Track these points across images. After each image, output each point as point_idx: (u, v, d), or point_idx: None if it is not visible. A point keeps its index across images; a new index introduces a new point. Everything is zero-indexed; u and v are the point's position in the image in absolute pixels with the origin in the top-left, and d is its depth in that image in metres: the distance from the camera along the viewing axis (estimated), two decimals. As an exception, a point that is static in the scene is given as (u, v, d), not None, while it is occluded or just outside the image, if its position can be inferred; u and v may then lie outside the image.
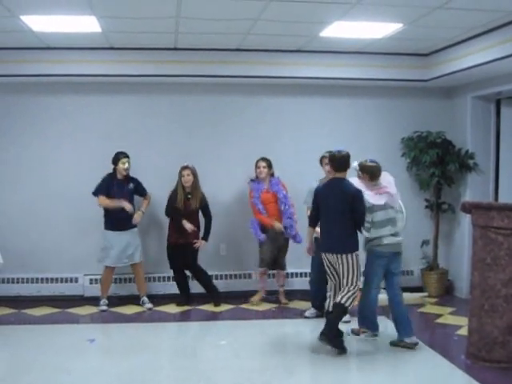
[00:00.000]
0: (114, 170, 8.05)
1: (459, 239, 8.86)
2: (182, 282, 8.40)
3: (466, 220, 8.24)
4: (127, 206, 7.91)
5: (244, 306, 8.21)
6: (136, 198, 8.24)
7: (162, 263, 8.30)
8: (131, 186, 8.12)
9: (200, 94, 8.71)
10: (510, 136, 8.39)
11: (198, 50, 7.97)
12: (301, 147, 8.64)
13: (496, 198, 8.43)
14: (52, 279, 8.50)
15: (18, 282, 8.51)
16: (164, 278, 8.69)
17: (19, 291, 8.50)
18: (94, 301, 8.24)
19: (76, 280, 8.52)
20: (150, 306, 8.13)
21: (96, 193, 7.93)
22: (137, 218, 8.10)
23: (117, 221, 7.96)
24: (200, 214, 8.30)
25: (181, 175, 8.11)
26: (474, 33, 7.06)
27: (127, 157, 8.00)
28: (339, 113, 8.94)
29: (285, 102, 8.85)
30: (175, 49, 7.99)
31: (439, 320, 7.62)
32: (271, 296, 8.49)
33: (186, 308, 8.11)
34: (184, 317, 7.81)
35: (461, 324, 7.14)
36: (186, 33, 7.23)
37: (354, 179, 6.57)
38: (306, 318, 7.59)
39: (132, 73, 8.05)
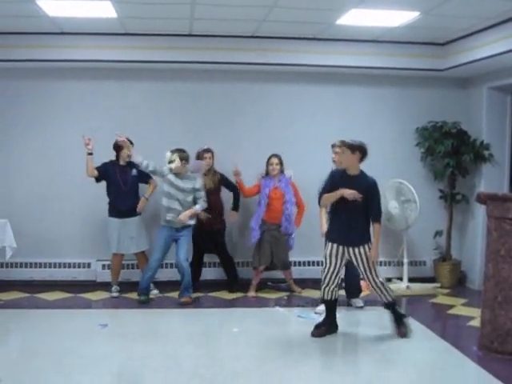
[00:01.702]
0: (117, 156, 8.01)
1: (472, 230, 8.81)
2: (198, 269, 8.42)
3: (479, 211, 8.20)
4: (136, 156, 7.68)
5: (255, 293, 8.20)
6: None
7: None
8: (134, 172, 8.02)
9: (214, 80, 8.70)
10: (526, 127, 8.34)
11: (213, 37, 7.95)
12: (315, 135, 8.62)
13: (511, 189, 8.39)
14: (65, 264, 8.55)
15: (31, 267, 8.58)
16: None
17: (32, 275, 8.56)
18: (106, 286, 8.28)
19: (89, 265, 8.56)
20: (156, 291, 8.14)
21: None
22: (140, 205, 8.06)
23: (122, 208, 7.93)
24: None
25: (203, 158, 8.12)
26: (491, 22, 7.00)
27: (131, 143, 7.88)
28: (354, 101, 8.91)
29: (299, 89, 8.82)
30: (190, 35, 7.98)
31: (451, 311, 7.59)
32: (283, 284, 8.49)
33: (197, 295, 8.11)
34: (195, 304, 7.81)
35: (473, 315, 7.11)
36: (201, 19, 7.22)
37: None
38: (316, 313, 7.27)
39: (146, 59, 8.05)
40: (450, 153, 8.56)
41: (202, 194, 7.88)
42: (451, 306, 7.77)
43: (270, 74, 8.67)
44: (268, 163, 8.12)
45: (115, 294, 8.04)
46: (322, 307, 7.08)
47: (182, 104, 8.72)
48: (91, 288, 8.25)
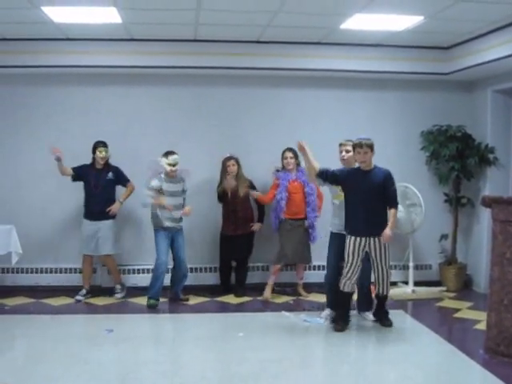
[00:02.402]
0: (94, 158, 8.04)
1: (478, 233, 8.81)
2: (227, 273, 8.58)
3: (485, 214, 8.20)
4: (57, 152, 7.67)
5: (261, 298, 8.20)
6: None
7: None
8: (110, 175, 8.05)
9: (219, 86, 8.71)
10: (531, 130, 8.33)
11: (217, 42, 7.97)
12: (320, 140, 8.59)
13: (516, 193, 8.38)
14: (70, 269, 8.55)
15: (36, 272, 8.59)
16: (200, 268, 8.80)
17: (38, 281, 8.58)
18: (111, 291, 8.30)
19: (94, 271, 8.53)
20: (119, 295, 8.13)
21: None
22: (114, 208, 8.05)
23: (93, 210, 7.98)
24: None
25: (226, 166, 8.17)
26: (496, 26, 7.01)
27: (105, 146, 7.96)
28: (358, 105, 8.91)
29: (304, 94, 8.84)
30: (195, 40, 8.00)
31: (457, 314, 7.58)
32: (288, 288, 8.49)
33: (203, 300, 8.12)
34: (201, 308, 7.82)
35: (479, 318, 7.10)
36: (206, 24, 7.24)
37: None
38: (321, 318, 7.25)
39: (151, 64, 8.06)
40: (455, 156, 8.56)
41: (187, 194, 8.09)
42: (457, 310, 7.76)
43: (274, 79, 8.69)
44: (283, 157, 8.12)
45: (79, 298, 8.00)
46: (327, 312, 7.21)
47: (186, 109, 8.74)
48: (96, 293, 8.24)
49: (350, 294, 6.92)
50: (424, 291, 8.51)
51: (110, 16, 6.79)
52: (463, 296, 8.47)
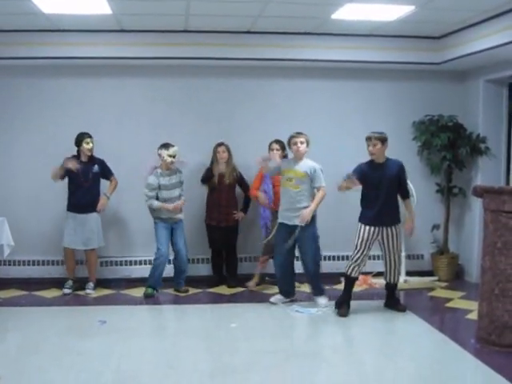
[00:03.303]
0: (78, 151, 7.90)
1: (470, 223, 8.83)
2: (219, 264, 8.58)
3: (476, 204, 8.21)
4: (71, 163, 7.65)
5: (253, 289, 8.21)
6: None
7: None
8: (96, 168, 7.94)
9: (210, 76, 8.69)
10: (522, 120, 8.34)
11: (208, 33, 7.93)
12: (311, 129, 8.56)
13: (507, 182, 8.38)
14: (62, 262, 8.47)
15: (29, 265, 8.57)
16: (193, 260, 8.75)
17: (30, 273, 8.55)
18: (104, 283, 8.32)
19: (86, 262, 8.53)
20: (90, 292, 8.01)
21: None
22: (102, 204, 7.98)
23: (80, 203, 7.86)
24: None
25: (216, 152, 8.17)
26: (487, 15, 6.99)
27: (90, 137, 7.85)
28: (350, 95, 8.90)
29: (295, 84, 8.82)
30: (186, 31, 7.96)
31: (449, 304, 7.61)
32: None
33: (195, 291, 8.13)
34: (194, 299, 7.83)
35: (471, 308, 7.13)
36: (197, 15, 7.21)
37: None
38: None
39: (142, 55, 8.02)
40: (447, 146, 8.57)
41: (183, 186, 8.13)
42: (449, 300, 7.78)
43: (265, 70, 8.66)
44: (269, 149, 8.00)
45: (67, 291, 7.93)
46: (322, 299, 7.39)
47: (177, 100, 8.71)
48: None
49: (355, 279, 7.16)
50: (416, 281, 8.54)
51: (100, 7, 6.75)
52: (455, 286, 8.50)
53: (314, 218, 7.27)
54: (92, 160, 7.94)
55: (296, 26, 7.76)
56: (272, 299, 7.54)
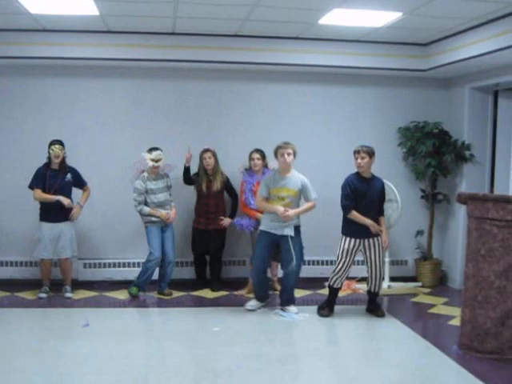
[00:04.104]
0: (49, 158, 7.73)
1: (454, 230, 8.87)
2: (201, 267, 8.61)
3: (460, 211, 8.26)
4: (65, 200, 7.62)
5: (237, 292, 8.20)
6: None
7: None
8: (68, 177, 7.76)
9: (198, 79, 8.67)
10: (507, 128, 8.35)
11: (196, 35, 7.92)
12: (298, 134, 8.59)
13: (491, 190, 8.44)
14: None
15: (11, 265, 8.52)
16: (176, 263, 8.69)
17: (12, 274, 8.50)
18: (87, 285, 8.31)
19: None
20: (69, 295, 7.90)
21: (31, 185, 7.67)
22: (75, 213, 7.81)
23: (51, 212, 7.70)
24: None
25: (202, 158, 8.14)
26: (473, 24, 7.03)
27: (60, 144, 7.69)
28: (336, 101, 8.91)
29: (282, 89, 8.82)
30: (173, 33, 7.95)
31: (432, 310, 7.63)
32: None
33: (179, 294, 8.11)
34: (177, 302, 7.81)
35: (454, 314, 7.17)
36: (185, 17, 7.19)
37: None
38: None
39: (129, 57, 7.99)
40: (432, 153, 8.60)
41: (171, 190, 8.14)
42: (432, 305, 7.81)
43: (253, 73, 8.66)
44: (250, 158, 8.03)
45: (42, 295, 7.81)
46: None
47: (164, 102, 8.68)
48: (73, 287, 8.14)
49: (338, 289, 7.31)
50: (400, 286, 8.57)
51: (87, 8, 6.71)
52: (438, 292, 8.53)
53: (298, 228, 7.24)
54: (64, 168, 7.77)
55: (283, 30, 7.76)
56: (248, 306, 7.45)
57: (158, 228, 7.91)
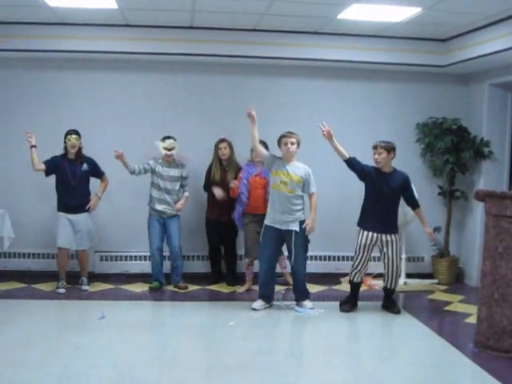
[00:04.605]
0: (65, 149, 7.74)
1: (471, 227, 8.81)
2: (217, 261, 8.57)
3: (478, 208, 8.21)
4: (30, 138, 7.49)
5: (245, 290, 8.13)
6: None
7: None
8: (85, 167, 7.75)
9: (215, 73, 8.67)
10: (527, 125, 8.32)
11: (214, 30, 7.92)
12: (315, 130, 8.56)
13: (510, 187, 8.38)
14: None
15: (28, 257, 8.58)
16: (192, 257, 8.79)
17: (30, 266, 8.56)
18: (104, 278, 8.37)
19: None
20: (86, 288, 7.93)
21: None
22: (93, 204, 7.85)
23: (70, 203, 7.71)
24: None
25: (217, 148, 8.14)
26: (493, 19, 6.98)
27: (77, 134, 7.69)
28: (354, 96, 8.88)
29: (300, 83, 8.80)
30: (191, 27, 7.96)
31: (448, 307, 7.59)
32: (279, 278, 8.45)
33: (195, 287, 8.12)
34: (193, 296, 7.82)
35: (470, 312, 7.11)
36: (203, 11, 7.19)
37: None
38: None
39: (147, 51, 8.01)
40: (450, 149, 8.55)
41: (188, 181, 8.13)
42: (448, 303, 7.77)
43: (271, 68, 8.64)
44: (251, 150, 7.90)
45: (61, 291, 7.77)
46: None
47: (182, 96, 8.69)
48: (89, 279, 8.16)
49: (359, 284, 7.33)
50: (416, 283, 8.53)
51: (105, 1, 6.74)
52: (455, 289, 8.48)
53: (303, 222, 7.14)
54: (80, 158, 7.77)
55: (302, 24, 7.74)
56: (254, 306, 7.29)
57: (159, 218, 7.95)
